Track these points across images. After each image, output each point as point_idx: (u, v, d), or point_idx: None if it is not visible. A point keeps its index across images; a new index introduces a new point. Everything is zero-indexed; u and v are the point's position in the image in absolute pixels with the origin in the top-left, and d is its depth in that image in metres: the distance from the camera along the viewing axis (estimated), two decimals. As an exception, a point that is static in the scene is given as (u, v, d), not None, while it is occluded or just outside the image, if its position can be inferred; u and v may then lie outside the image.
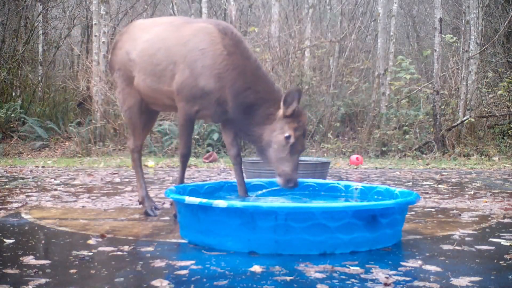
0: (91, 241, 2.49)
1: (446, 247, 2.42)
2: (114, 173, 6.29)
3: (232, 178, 3.70)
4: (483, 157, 8.91)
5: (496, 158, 8.73)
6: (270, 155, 2.89)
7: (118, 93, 3.39)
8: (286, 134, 2.82)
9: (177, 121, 3.33)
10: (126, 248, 2.36)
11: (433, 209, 3.57)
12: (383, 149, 9.52)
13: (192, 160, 8.40)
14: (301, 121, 2.87)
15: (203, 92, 2.99)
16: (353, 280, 1.87)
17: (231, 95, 2.95)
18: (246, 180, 3.27)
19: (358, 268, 2.02)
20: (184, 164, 3.19)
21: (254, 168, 4.96)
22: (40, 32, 12.39)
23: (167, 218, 3.18)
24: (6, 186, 4.84)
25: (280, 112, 2.85)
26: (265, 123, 2.90)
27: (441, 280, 1.86)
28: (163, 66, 3.08)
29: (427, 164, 7.94)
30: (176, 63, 3.04)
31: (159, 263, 2.08)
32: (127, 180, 5.53)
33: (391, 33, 11.11)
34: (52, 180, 5.48)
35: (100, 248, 2.34)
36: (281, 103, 2.82)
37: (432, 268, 2.03)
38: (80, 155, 9.44)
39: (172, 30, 3.16)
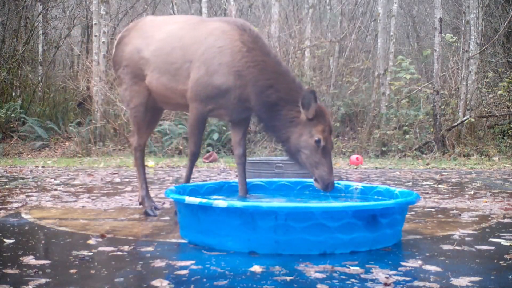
0: (91, 241, 2.49)
1: (446, 247, 2.42)
2: (114, 173, 6.29)
3: (232, 178, 3.70)
4: (483, 157, 8.91)
5: (496, 158, 8.73)
6: (302, 160, 2.83)
7: (124, 90, 3.30)
8: (316, 138, 2.76)
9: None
10: (126, 248, 2.35)
11: (433, 209, 3.57)
12: (383, 149, 9.52)
13: (192, 160, 8.40)
14: (326, 120, 2.80)
15: (219, 91, 2.94)
16: (353, 280, 1.87)
17: (254, 93, 2.89)
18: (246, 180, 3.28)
19: (358, 268, 2.02)
20: (192, 163, 3.19)
21: (254, 168, 4.96)
22: (40, 32, 12.39)
23: (167, 218, 3.18)
24: (6, 186, 4.84)
25: (302, 115, 2.78)
26: (290, 126, 2.83)
27: (441, 280, 1.86)
28: (179, 64, 3.05)
29: (427, 164, 7.94)
30: (192, 61, 3.00)
31: (159, 263, 2.08)
32: (127, 180, 5.53)
33: (391, 33, 11.10)
34: (52, 180, 5.48)
35: (100, 248, 2.34)
36: (300, 108, 2.77)
37: (432, 268, 2.03)
38: (80, 155, 9.44)
39: (188, 29, 3.13)
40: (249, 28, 3.01)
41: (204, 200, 2.32)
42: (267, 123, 2.94)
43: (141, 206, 3.36)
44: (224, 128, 9.52)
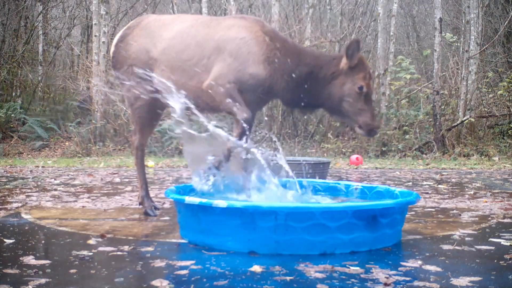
0: (91, 241, 2.49)
1: (446, 247, 2.42)
2: (114, 173, 6.29)
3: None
4: (483, 157, 8.91)
5: (496, 158, 8.73)
6: (346, 109, 2.91)
7: (128, 90, 3.24)
8: (359, 85, 2.87)
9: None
10: (126, 248, 2.35)
11: (433, 209, 3.57)
12: (383, 149, 9.52)
13: (192, 160, 8.39)
14: (366, 68, 2.91)
15: (253, 80, 2.96)
16: (353, 280, 1.87)
17: (287, 75, 2.97)
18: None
19: (358, 268, 2.02)
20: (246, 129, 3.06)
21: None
22: (40, 32, 12.39)
23: (167, 218, 3.18)
24: (6, 186, 4.84)
25: (343, 65, 2.89)
26: (331, 80, 2.92)
27: (441, 280, 1.86)
28: (194, 61, 3.04)
29: (427, 164, 7.94)
30: (211, 56, 3.01)
31: (159, 263, 2.08)
32: (127, 180, 5.53)
33: (391, 33, 11.10)
34: (52, 180, 5.48)
35: (100, 248, 2.34)
36: (344, 57, 2.89)
37: (432, 268, 2.03)
38: (80, 155, 9.44)
39: (202, 27, 3.13)
40: (263, 21, 3.14)
41: (204, 200, 2.32)
42: (308, 94, 3.01)
43: (141, 206, 3.36)
44: (224, 128, 9.51)
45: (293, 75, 3.00)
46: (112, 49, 3.31)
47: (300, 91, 3.02)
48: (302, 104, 3.10)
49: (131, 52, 3.20)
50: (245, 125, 2.94)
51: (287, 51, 3.01)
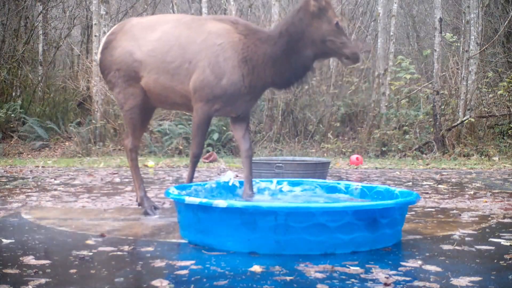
0: (91, 241, 2.49)
1: (446, 247, 2.42)
2: (114, 173, 6.29)
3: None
4: (483, 157, 8.91)
5: (496, 158, 8.72)
6: (331, 47, 2.99)
7: (118, 93, 3.29)
8: (335, 22, 2.97)
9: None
10: (126, 248, 2.36)
11: (433, 209, 3.57)
12: (383, 149, 9.52)
13: (192, 160, 8.39)
14: (330, 4, 3.01)
15: (227, 89, 3.02)
16: (353, 280, 1.87)
17: (270, 61, 3.01)
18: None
19: (358, 268, 2.02)
20: (195, 165, 3.23)
21: (254, 168, 4.95)
22: (40, 32, 12.38)
23: (167, 218, 3.17)
24: (6, 186, 4.84)
25: (313, 8, 2.96)
26: (308, 29, 2.98)
27: (441, 280, 1.86)
28: (177, 64, 3.08)
29: (427, 164, 7.94)
30: (192, 61, 3.05)
31: (159, 263, 2.08)
32: (127, 180, 5.53)
33: (391, 33, 11.10)
34: (52, 180, 5.48)
35: (100, 248, 2.34)
36: (310, 1, 2.96)
37: (432, 268, 2.03)
38: (80, 155, 9.44)
39: (183, 28, 3.16)
40: (239, 20, 3.20)
41: (204, 200, 2.32)
42: (296, 59, 3.03)
43: (140, 207, 3.36)
44: (224, 128, 9.51)
45: (276, 54, 3.02)
46: (99, 56, 3.35)
47: (288, 64, 3.04)
48: (295, 76, 3.12)
49: (116, 56, 3.23)
50: (193, 160, 3.19)
51: (261, 39, 3.05)
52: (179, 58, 3.08)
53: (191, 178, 3.27)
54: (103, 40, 3.35)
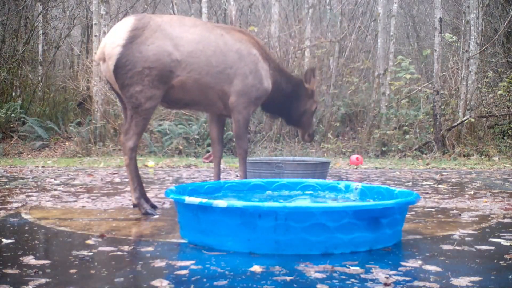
0: (91, 241, 2.49)
1: (446, 247, 2.42)
2: (114, 173, 6.29)
3: (233, 178, 3.72)
4: (483, 157, 8.91)
5: (496, 158, 8.73)
6: (304, 121, 4.15)
7: (138, 92, 3.15)
8: (315, 106, 4.12)
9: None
10: (126, 248, 2.36)
11: (433, 209, 3.57)
12: (383, 149, 9.52)
13: (192, 160, 8.40)
14: (315, 93, 4.11)
15: (266, 92, 3.65)
16: (353, 280, 1.87)
17: (278, 90, 3.87)
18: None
19: (358, 268, 2.02)
20: (246, 161, 3.74)
21: (254, 168, 4.96)
22: (40, 32, 12.38)
23: (167, 218, 3.17)
24: (6, 186, 4.84)
25: (308, 88, 4.03)
26: (301, 98, 4.06)
27: (441, 280, 1.86)
28: (221, 68, 3.40)
29: (427, 164, 7.94)
30: (233, 67, 3.45)
31: (159, 263, 2.08)
32: (127, 180, 5.52)
33: (391, 33, 11.10)
34: (52, 180, 5.48)
35: (100, 248, 2.34)
36: (304, 82, 4.01)
37: (432, 268, 2.03)
38: (80, 155, 9.44)
39: (217, 35, 3.45)
40: (253, 35, 3.94)
41: (204, 200, 2.32)
42: (283, 105, 4.01)
43: (137, 208, 3.34)
44: (224, 128, 9.51)
45: (282, 90, 3.87)
46: (119, 49, 3.12)
47: (281, 103, 3.95)
48: (276, 112, 4.11)
49: (149, 54, 3.14)
50: (245, 156, 3.70)
51: (279, 69, 3.87)
52: (222, 63, 3.40)
53: (246, 175, 3.74)
54: (121, 34, 3.16)
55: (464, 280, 1.85)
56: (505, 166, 7.71)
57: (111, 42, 3.18)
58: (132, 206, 3.57)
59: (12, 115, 10.62)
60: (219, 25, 3.70)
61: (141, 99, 3.18)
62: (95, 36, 10.51)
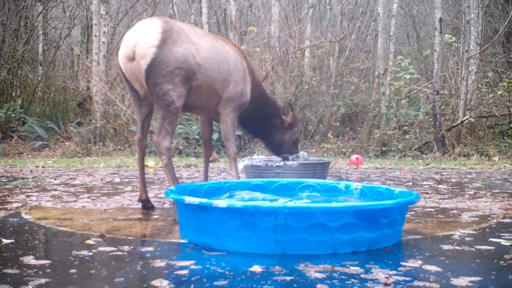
0: (91, 241, 2.49)
1: (446, 247, 2.42)
2: (114, 173, 6.29)
3: (233, 178, 3.72)
4: (483, 157, 8.91)
5: (496, 158, 8.73)
6: (283, 150, 4.42)
7: (171, 90, 3.23)
8: (295, 138, 4.38)
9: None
10: (126, 248, 2.36)
11: (433, 209, 3.57)
12: (383, 149, 9.52)
13: (192, 160, 8.40)
14: (298, 122, 4.43)
15: (246, 101, 3.89)
16: (353, 280, 1.87)
17: (253, 104, 4.06)
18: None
19: (358, 268, 2.02)
20: (236, 161, 3.82)
21: (254, 169, 4.96)
22: (40, 32, 12.38)
23: (167, 218, 3.18)
24: (6, 186, 4.84)
25: (286, 120, 4.29)
26: (276, 129, 4.34)
27: (441, 280, 1.86)
28: (225, 76, 3.60)
29: (427, 164, 7.94)
30: (231, 75, 3.67)
31: (159, 263, 2.08)
32: (127, 180, 5.53)
33: (391, 33, 11.10)
34: (52, 180, 5.48)
35: (100, 248, 2.34)
36: (282, 116, 4.29)
37: (432, 268, 2.03)
38: (80, 155, 9.44)
39: (220, 44, 3.63)
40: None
41: (204, 200, 2.32)
42: (257, 127, 4.33)
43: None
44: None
45: (257, 105, 4.07)
46: (153, 50, 3.17)
47: (255, 120, 4.18)
48: (251, 129, 4.33)
49: (179, 55, 3.25)
50: (236, 157, 3.82)
51: (260, 85, 4.11)
52: (226, 71, 3.60)
53: (238, 175, 3.78)
54: (154, 35, 3.20)
55: (464, 280, 1.85)
56: (505, 166, 7.71)
57: (144, 42, 3.20)
58: (134, 206, 3.57)
59: (12, 115, 10.62)
60: (218, 35, 3.96)
61: (173, 97, 3.28)
62: (95, 36, 10.51)
